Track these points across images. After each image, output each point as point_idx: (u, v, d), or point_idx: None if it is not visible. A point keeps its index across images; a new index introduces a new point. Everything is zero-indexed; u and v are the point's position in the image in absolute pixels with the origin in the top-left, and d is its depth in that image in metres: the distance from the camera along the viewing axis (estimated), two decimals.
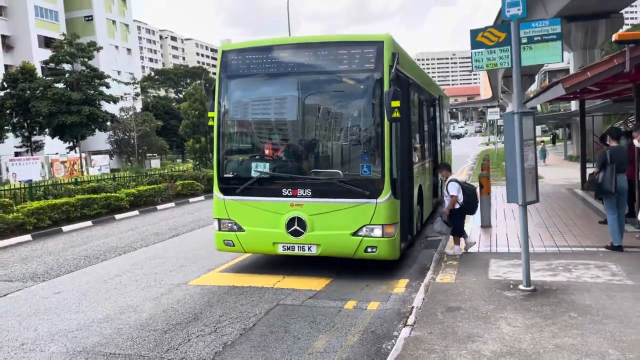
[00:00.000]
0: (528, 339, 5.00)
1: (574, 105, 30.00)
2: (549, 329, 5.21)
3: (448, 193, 8.70)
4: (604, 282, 6.66)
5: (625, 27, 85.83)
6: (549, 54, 6.06)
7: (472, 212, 9.17)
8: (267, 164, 8.34)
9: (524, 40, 6.14)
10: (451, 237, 9.08)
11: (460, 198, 8.65)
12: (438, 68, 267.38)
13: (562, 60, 6.08)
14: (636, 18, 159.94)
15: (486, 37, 6.31)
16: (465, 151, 45.69)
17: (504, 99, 68.00)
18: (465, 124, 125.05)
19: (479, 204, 9.41)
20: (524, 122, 6.18)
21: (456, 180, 8.93)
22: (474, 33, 6.41)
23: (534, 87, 64.35)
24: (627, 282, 6.62)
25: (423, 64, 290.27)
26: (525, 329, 5.23)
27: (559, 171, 24.04)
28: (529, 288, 6.43)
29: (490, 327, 5.34)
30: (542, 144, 33.42)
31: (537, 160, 6.63)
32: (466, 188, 8.85)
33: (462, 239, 8.91)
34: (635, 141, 8.04)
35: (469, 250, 8.85)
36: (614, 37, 7.66)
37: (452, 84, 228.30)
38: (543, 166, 27.27)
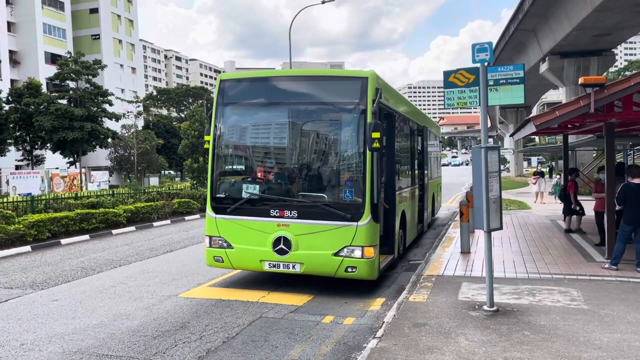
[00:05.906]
0: (481, 352, 5.53)
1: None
2: (501, 344, 5.75)
3: None
4: (562, 306, 7.20)
5: (624, 64, 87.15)
6: (512, 96, 6.72)
7: None
8: (257, 186, 8.93)
9: (491, 83, 6.81)
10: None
11: None
12: (439, 96, 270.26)
13: (525, 102, 6.72)
14: (635, 54, 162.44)
15: (457, 78, 6.99)
16: (461, 180, 46.33)
17: (502, 129, 69.10)
18: (462, 153, 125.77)
19: None
20: (490, 156, 6.79)
21: None
22: (447, 74, 7.08)
23: None
24: (584, 306, 7.16)
25: (424, 92, 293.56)
26: (481, 344, 5.77)
27: (549, 203, 24.57)
28: (491, 309, 6.97)
29: (450, 341, 5.87)
30: (558, 177, 25.62)
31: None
32: None
33: None
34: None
35: None
36: (580, 80, 8.32)
37: (453, 112, 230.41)
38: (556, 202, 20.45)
